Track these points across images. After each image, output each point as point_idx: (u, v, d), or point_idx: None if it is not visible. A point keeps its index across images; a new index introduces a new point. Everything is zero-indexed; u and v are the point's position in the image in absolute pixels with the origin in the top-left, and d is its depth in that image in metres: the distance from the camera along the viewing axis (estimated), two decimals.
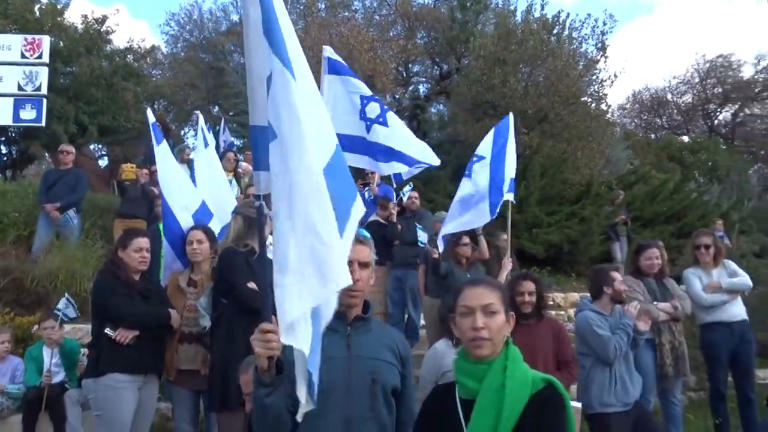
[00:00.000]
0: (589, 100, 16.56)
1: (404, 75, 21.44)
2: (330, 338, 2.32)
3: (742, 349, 5.78)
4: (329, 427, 2.27)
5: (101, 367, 4.14)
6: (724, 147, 27.64)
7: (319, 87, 3.82)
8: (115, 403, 4.12)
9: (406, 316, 8.31)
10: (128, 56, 16.29)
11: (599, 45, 16.23)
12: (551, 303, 9.92)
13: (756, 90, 28.74)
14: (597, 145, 15.90)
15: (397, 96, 20.18)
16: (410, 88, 21.57)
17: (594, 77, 16.37)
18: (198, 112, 8.78)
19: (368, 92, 5.84)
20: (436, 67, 21.54)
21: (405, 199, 9.03)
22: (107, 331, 4.15)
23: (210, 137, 6.10)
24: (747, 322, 5.89)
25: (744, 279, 5.82)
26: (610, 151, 17.89)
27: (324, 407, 2.25)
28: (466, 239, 6.98)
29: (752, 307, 6.69)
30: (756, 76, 28.63)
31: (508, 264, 6.34)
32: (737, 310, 5.82)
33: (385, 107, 5.96)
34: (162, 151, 5.05)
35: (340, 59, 5.84)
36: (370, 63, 14.75)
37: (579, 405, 4.56)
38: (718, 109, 31.09)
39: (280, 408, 2.16)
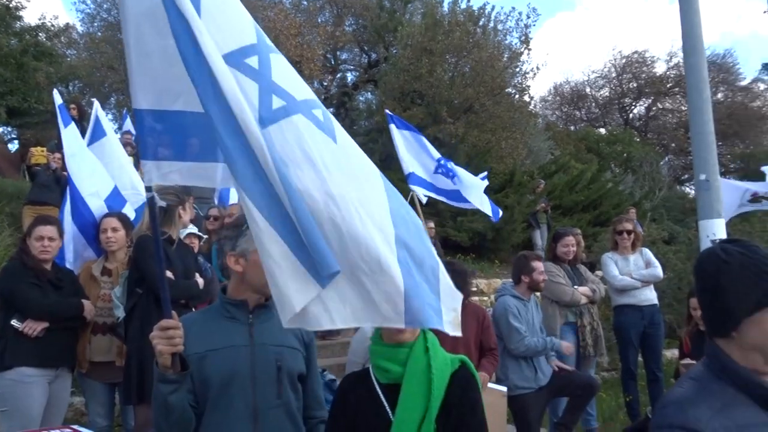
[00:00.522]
0: (513, 91, 16.98)
1: (332, 62, 21.27)
2: (231, 328, 2.28)
3: (651, 331, 6.11)
4: (236, 418, 2.22)
5: (7, 360, 3.92)
6: (638, 139, 28.97)
7: None
8: (23, 398, 3.91)
9: None
10: (40, 34, 15.41)
11: (523, 38, 16.65)
12: (474, 289, 10.14)
13: (668, 86, 30.24)
14: (520, 136, 16.34)
15: (325, 83, 20.03)
16: (338, 76, 21.45)
17: (518, 69, 16.79)
18: (95, 99, 8.36)
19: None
20: (364, 55, 21.49)
21: None
22: (14, 322, 3.93)
23: (108, 125, 5.90)
24: (657, 306, 6.23)
25: (656, 270, 6.13)
26: (532, 142, 18.43)
27: (229, 398, 2.21)
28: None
29: (661, 291, 7.08)
30: (668, 73, 30.15)
31: None
32: (648, 295, 6.14)
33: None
34: (69, 135, 4.81)
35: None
36: (297, 49, 14.55)
37: (504, 389, 4.69)
38: (633, 103, 32.54)
39: (184, 405, 2.10)
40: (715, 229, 6.11)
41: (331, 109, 18.09)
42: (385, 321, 1.74)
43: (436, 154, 8.14)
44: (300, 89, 2.00)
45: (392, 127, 7.91)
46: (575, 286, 5.74)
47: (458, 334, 1.76)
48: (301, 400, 2.39)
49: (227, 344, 2.23)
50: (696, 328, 5.07)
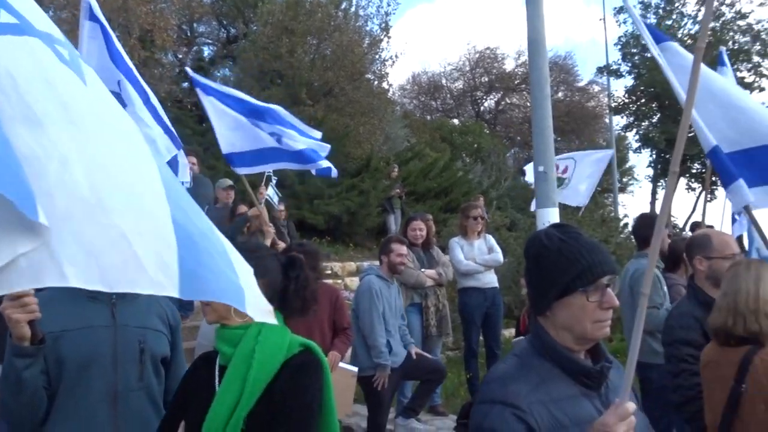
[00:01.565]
0: (372, 77, 17.19)
1: (188, 34, 20.25)
2: (92, 307, 2.17)
3: (492, 312, 6.51)
4: (95, 400, 2.11)
5: None
6: (487, 131, 30.57)
7: None
8: None
9: None
10: None
11: (383, 25, 16.90)
12: (329, 272, 10.21)
13: (516, 82, 32.17)
14: (378, 122, 16.60)
15: (180, 56, 19.03)
16: (194, 49, 20.47)
17: (377, 56, 17.02)
18: None
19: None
20: (222, 30, 20.68)
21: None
22: None
23: None
24: (497, 288, 6.64)
25: (497, 256, 6.54)
26: (389, 129, 18.80)
27: (87, 380, 2.10)
28: (244, 208, 6.84)
29: (502, 275, 7.55)
30: (516, 70, 32.06)
31: (269, 231, 6.08)
32: (490, 278, 6.53)
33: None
34: None
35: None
36: (149, 17, 13.63)
37: (354, 369, 4.76)
38: (484, 97, 34.26)
39: (37, 384, 1.98)
40: (551, 218, 6.59)
41: (186, 84, 17.21)
42: (155, 288, 1.48)
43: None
44: (42, 20, 1.67)
45: (199, 92, 5.77)
46: (422, 269, 5.96)
47: (269, 320, 1.66)
48: (163, 384, 2.34)
49: (86, 324, 2.13)
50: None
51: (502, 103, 33.97)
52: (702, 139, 3.91)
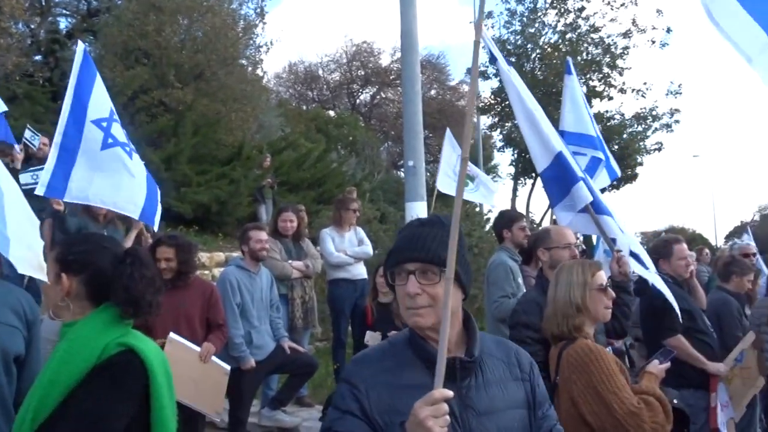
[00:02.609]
0: (246, 63, 16.75)
1: (42, 3, 18.60)
2: None
3: (361, 303, 6.56)
4: None
5: None
6: (362, 124, 30.89)
7: None
8: None
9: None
10: None
11: (258, 10, 16.50)
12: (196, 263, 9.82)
13: (391, 77, 32.71)
14: (251, 110, 16.20)
15: (32, 26, 17.44)
16: (49, 19, 18.84)
17: (252, 41, 16.58)
18: None
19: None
20: (83, 1, 19.21)
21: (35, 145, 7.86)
22: None
23: None
24: (367, 279, 6.70)
25: (367, 248, 6.62)
26: (263, 117, 18.43)
27: None
28: None
29: (371, 266, 7.64)
30: (392, 65, 32.59)
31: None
32: (360, 270, 6.60)
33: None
34: None
35: None
36: None
37: (227, 368, 4.61)
38: (360, 90, 34.56)
39: None
40: (419, 211, 6.79)
41: (39, 57, 15.84)
42: None
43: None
44: None
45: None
46: (289, 261, 5.91)
47: (39, 276, 1.60)
48: (14, 384, 2.14)
49: None
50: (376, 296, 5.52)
51: (378, 97, 34.43)
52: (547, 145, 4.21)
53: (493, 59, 5.55)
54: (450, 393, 1.45)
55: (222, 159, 14.78)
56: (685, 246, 4.61)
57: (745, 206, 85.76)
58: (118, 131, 4.56)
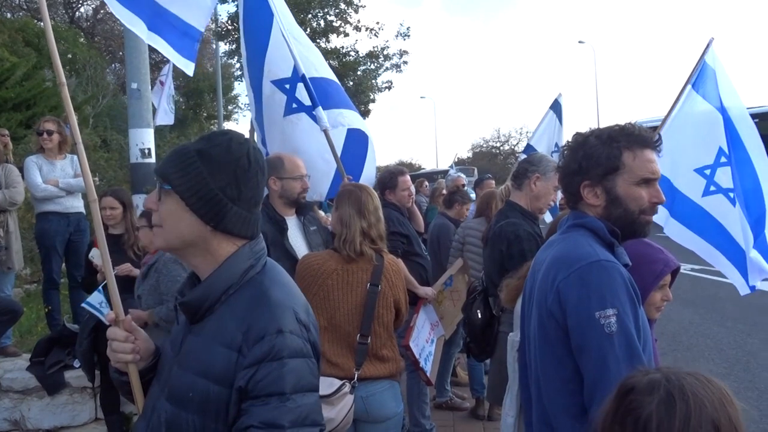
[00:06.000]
0: None
1: None
2: None
3: (77, 239, 5.94)
4: None
5: None
6: (83, 41, 27.50)
7: None
8: None
9: None
10: None
11: None
12: None
13: None
14: None
15: None
16: None
17: None
18: None
19: None
20: None
21: None
22: None
23: None
24: (84, 213, 6.05)
25: (80, 181, 5.83)
26: None
27: None
28: None
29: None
30: None
31: None
32: (75, 203, 5.92)
33: None
34: None
35: None
36: None
37: None
38: (80, 2, 30.59)
39: None
40: (144, 138, 6.29)
41: None
42: None
43: None
44: None
45: None
46: None
47: None
48: None
49: None
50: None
51: (102, 11, 30.81)
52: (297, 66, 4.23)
53: None
54: (112, 316, 1.61)
55: None
56: (408, 178, 5.01)
57: (462, 144, 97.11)
58: None
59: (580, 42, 51.21)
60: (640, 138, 1.91)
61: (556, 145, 9.38)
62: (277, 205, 3.54)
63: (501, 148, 57.79)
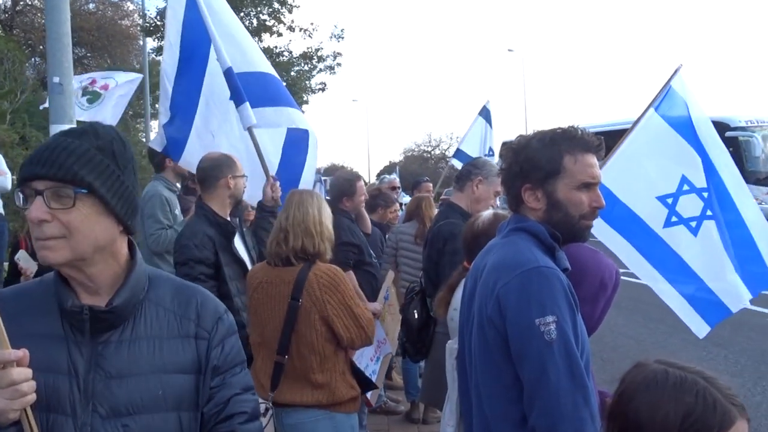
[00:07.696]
0: None
1: None
2: None
3: None
4: None
5: None
6: (2, 34, 26.10)
7: None
8: None
9: None
10: None
11: None
12: None
13: None
14: None
15: None
16: None
17: None
18: None
19: None
20: None
21: None
22: None
23: None
24: (3, 214, 5.76)
25: (5, 180, 5.72)
26: None
27: None
28: None
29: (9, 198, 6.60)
30: None
31: None
32: None
33: None
34: None
35: None
36: None
37: None
38: None
39: None
40: None
41: None
42: None
43: None
44: None
45: None
46: None
47: None
48: None
49: None
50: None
51: (21, 3, 29.34)
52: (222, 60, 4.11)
53: None
54: (10, 356, 1.24)
55: None
56: (363, 183, 4.95)
57: (394, 147, 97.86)
58: None
59: (509, 50, 52.21)
60: (581, 142, 1.91)
61: (490, 149, 9.56)
62: (221, 206, 3.38)
63: (432, 152, 58.47)
